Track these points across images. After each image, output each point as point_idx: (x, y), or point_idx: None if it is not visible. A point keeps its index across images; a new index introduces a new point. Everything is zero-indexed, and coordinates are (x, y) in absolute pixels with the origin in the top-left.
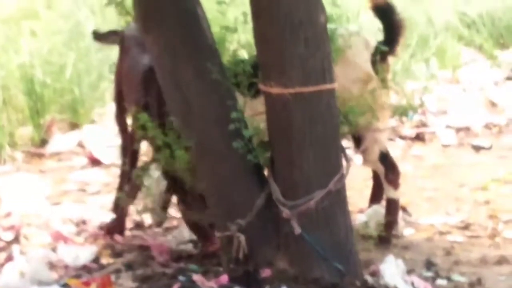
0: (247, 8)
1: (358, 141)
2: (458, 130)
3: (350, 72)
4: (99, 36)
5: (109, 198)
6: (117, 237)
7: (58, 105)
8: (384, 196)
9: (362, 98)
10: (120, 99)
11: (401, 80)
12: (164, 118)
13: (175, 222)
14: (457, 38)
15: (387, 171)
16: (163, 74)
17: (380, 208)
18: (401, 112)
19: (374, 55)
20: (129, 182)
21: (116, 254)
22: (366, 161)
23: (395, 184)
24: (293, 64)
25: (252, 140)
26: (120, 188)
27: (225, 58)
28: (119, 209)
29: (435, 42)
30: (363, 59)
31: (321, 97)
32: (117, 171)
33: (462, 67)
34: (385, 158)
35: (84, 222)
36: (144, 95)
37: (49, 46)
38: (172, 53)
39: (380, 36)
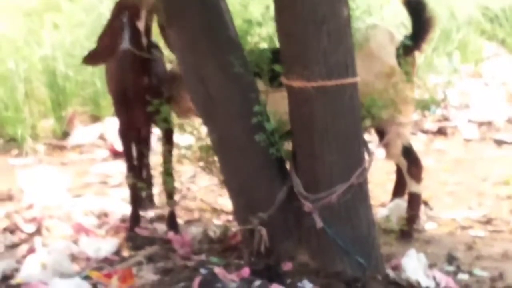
0: (270, 2)
1: (381, 135)
2: (480, 124)
3: (374, 65)
4: None
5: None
6: (138, 230)
7: (80, 98)
8: (406, 190)
9: (385, 91)
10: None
11: (424, 74)
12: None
13: (196, 215)
14: (479, 32)
15: (409, 165)
16: (186, 68)
17: (402, 202)
18: (424, 106)
19: (399, 49)
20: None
21: (138, 247)
22: (389, 155)
23: (417, 178)
24: (316, 58)
25: (274, 134)
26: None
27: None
28: (135, 201)
29: (458, 36)
30: (388, 53)
31: (344, 91)
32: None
33: (485, 61)
34: (408, 152)
35: (105, 215)
36: (120, 80)
37: (72, 39)
38: (195, 47)
39: (403, 30)
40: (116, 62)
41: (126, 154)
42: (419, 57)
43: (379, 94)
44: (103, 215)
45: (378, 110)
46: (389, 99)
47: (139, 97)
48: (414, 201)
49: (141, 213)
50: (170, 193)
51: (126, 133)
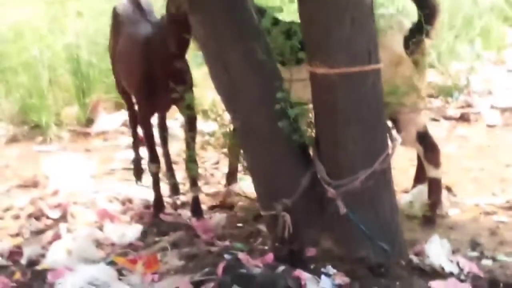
0: None
1: (394, 123)
2: (503, 110)
3: (382, 54)
4: None
5: None
6: (163, 216)
7: (103, 85)
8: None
9: (393, 80)
10: (116, 76)
11: (446, 60)
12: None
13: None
14: (502, 19)
15: (426, 151)
16: (209, 55)
17: (425, 188)
18: (446, 92)
19: (407, 37)
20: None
21: (162, 233)
22: (404, 142)
23: (435, 163)
24: (339, 44)
25: (298, 120)
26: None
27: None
28: (158, 187)
29: (480, 23)
30: (396, 41)
31: (367, 77)
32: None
33: (507, 48)
34: (423, 138)
35: (129, 201)
36: (145, 67)
37: (95, 27)
38: (218, 34)
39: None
40: (141, 48)
41: (149, 141)
42: (440, 43)
43: (387, 83)
44: (127, 201)
45: (396, 98)
46: (398, 87)
47: (165, 83)
48: (434, 186)
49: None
50: (193, 179)
51: (149, 120)
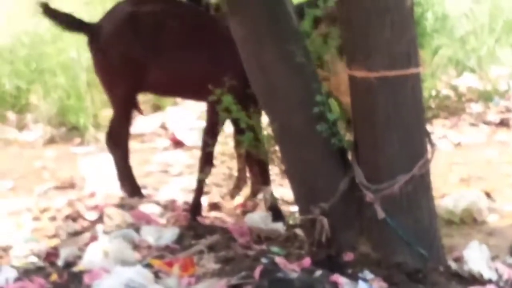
0: None
1: None
2: None
3: None
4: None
5: (191, 179)
6: (200, 219)
7: None
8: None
9: None
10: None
11: (486, 65)
12: None
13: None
14: None
15: None
16: (247, 56)
17: (465, 193)
18: (486, 97)
19: None
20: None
21: (198, 236)
22: None
23: None
24: (378, 48)
25: (336, 124)
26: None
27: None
28: (198, 190)
29: None
30: None
31: (406, 81)
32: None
33: None
34: None
35: (166, 203)
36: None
37: None
38: (257, 36)
39: (464, 21)
40: None
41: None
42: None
43: None
44: (164, 204)
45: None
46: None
47: None
48: None
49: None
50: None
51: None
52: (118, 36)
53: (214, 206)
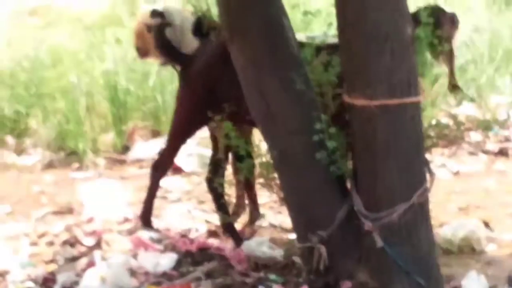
0: (332, 19)
1: None
2: None
3: None
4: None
5: (189, 206)
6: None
7: (140, 113)
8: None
9: None
10: None
11: (486, 94)
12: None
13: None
14: None
15: None
16: (247, 83)
17: (464, 222)
18: (485, 126)
19: None
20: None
21: (196, 262)
22: None
23: None
24: (378, 76)
25: (336, 152)
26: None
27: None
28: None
29: None
30: None
31: (406, 109)
32: (197, 179)
33: None
34: None
35: (164, 230)
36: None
37: (133, 54)
38: (257, 63)
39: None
40: None
41: None
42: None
43: None
44: (162, 230)
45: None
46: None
47: None
48: None
49: None
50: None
51: None
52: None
53: (213, 233)
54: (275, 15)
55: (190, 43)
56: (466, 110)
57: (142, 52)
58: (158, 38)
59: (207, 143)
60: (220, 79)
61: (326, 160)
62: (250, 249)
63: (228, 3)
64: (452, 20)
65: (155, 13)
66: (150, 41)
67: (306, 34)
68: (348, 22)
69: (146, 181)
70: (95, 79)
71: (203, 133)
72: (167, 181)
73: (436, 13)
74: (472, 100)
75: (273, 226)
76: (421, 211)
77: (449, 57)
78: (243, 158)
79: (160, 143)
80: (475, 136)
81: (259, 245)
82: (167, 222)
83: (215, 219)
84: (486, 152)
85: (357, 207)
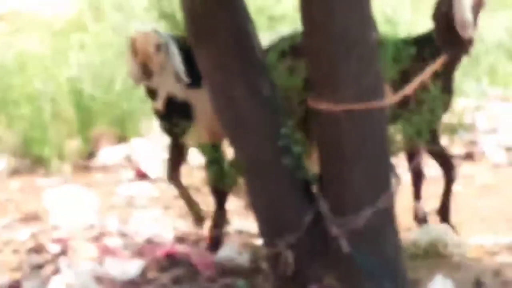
0: (297, 24)
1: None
2: (509, 149)
3: None
4: None
5: (156, 212)
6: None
7: (106, 118)
8: None
9: None
10: None
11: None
12: None
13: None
14: (508, 56)
15: None
16: (214, 88)
17: (432, 227)
18: (452, 130)
19: None
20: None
21: (163, 269)
22: None
23: None
24: (345, 81)
25: (302, 157)
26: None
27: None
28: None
29: (487, 60)
30: None
31: (372, 114)
32: (164, 186)
33: None
34: None
35: (130, 236)
36: None
37: (99, 59)
38: (224, 68)
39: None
40: None
41: None
42: None
43: None
44: (128, 237)
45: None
46: None
47: None
48: None
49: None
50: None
51: None
52: None
53: (180, 239)
54: (241, 21)
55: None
56: None
57: (145, 75)
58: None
59: None
60: None
61: (292, 165)
62: (217, 255)
63: (193, 8)
64: None
65: (159, 34)
66: (157, 62)
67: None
68: (315, 27)
69: (112, 187)
70: (60, 85)
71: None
72: (133, 187)
73: None
74: None
75: (240, 231)
76: (387, 216)
77: None
78: (212, 163)
79: (125, 149)
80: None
81: (226, 251)
82: (133, 228)
83: (182, 225)
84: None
85: (323, 211)
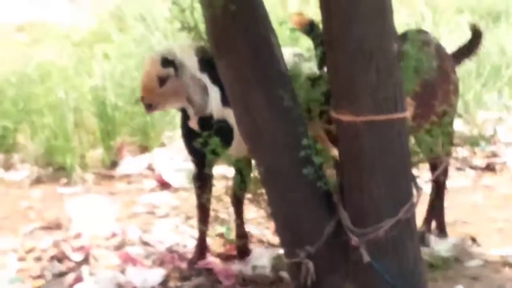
0: None
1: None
2: None
3: None
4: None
5: (177, 221)
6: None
7: (129, 128)
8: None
9: None
10: None
11: (473, 110)
12: None
13: None
14: None
15: None
16: (234, 99)
17: (451, 237)
18: (472, 142)
19: None
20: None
21: (184, 278)
22: None
23: None
24: (364, 92)
25: (322, 167)
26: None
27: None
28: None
29: (508, 72)
30: None
31: (393, 125)
32: (185, 195)
33: None
34: None
35: (152, 245)
36: None
37: (121, 69)
38: (244, 78)
39: None
40: None
41: None
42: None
43: None
44: (149, 245)
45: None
46: None
47: None
48: None
49: None
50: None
51: None
52: None
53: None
54: (263, 32)
55: (201, 90)
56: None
57: (151, 105)
58: None
59: None
60: None
61: (313, 176)
62: (237, 265)
63: (215, 19)
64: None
65: (166, 62)
66: (161, 94)
67: None
68: (333, 38)
69: (133, 197)
70: (83, 95)
71: None
72: (155, 197)
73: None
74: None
75: (260, 241)
76: (408, 226)
77: None
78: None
79: (147, 159)
80: (462, 151)
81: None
82: (155, 237)
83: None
84: (473, 167)
85: (344, 222)
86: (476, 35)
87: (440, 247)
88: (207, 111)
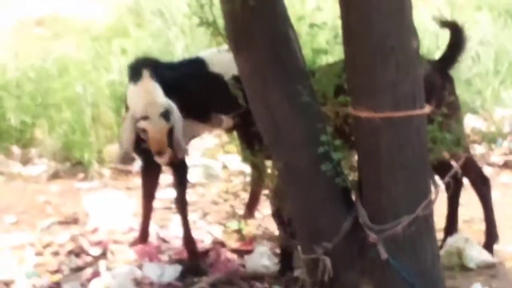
0: (339, 31)
1: None
2: None
3: None
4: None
5: (194, 216)
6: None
7: None
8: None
9: None
10: None
11: (491, 107)
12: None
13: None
14: None
15: None
16: (252, 95)
17: (469, 234)
18: (490, 139)
19: None
20: None
21: (201, 273)
22: None
23: None
24: (383, 88)
25: (341, 164)
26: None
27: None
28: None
29: None
30: None
31: (411, 122)
32: (202, 191)
33: None
34: None
35: (169, 240)
36: None
37: None
38: (262, 74)
39: None
40: None
41: None
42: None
43: None
44: (166, 241)
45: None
46: None
47: None
48: None
49: None
50: None
51: None
52: None
53: (218, 244)
54: (281, 27)
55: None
56: (471, 123)
57: (160, 153)
58: None
59: (212, 154)
60: None
61: (331, 172)
62: (252, 262)
63: (234, 15)
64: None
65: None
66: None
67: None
68: (353, 34)
69: None
70: (101, 90)
71: (208, 144)
72: (172, 192)
73: None
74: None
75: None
76: (426, 224)
77: None
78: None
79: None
80: (479, 148)
81: (261, 258)
82: (172, 233)
83: (219, 231)
84: (490, 164)
85: (362, 219)
86: (456, 32)
87: (457, 244)
88: None
